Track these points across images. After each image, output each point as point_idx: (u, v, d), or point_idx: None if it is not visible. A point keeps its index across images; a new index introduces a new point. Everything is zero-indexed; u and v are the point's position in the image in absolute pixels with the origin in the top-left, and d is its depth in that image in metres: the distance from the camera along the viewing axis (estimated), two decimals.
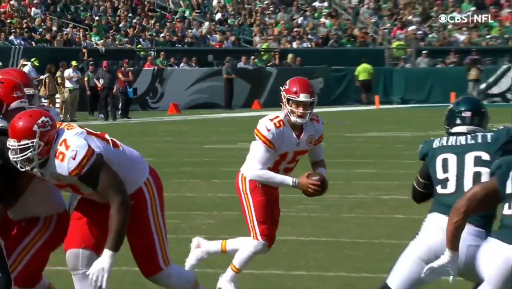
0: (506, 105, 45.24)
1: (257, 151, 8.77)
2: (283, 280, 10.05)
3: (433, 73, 47.63)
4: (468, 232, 6.66)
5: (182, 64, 43.51)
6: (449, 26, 51.53)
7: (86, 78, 38.12)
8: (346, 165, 20.59)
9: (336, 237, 12.44)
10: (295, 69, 45.71)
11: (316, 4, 52.10)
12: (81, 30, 43.98)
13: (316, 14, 51.27)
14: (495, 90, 47.36)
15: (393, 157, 22.45)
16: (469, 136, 6.97)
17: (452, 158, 6.92)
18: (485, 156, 6.82)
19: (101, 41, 43.26)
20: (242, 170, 8.95)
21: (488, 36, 51.10)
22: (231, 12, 50.19)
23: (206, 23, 47.78)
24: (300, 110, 8.75)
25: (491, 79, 47.25)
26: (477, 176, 6.82)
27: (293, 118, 8.75)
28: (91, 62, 39.48)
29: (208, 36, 47.13)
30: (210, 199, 15.51)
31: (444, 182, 6.93)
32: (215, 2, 50.33)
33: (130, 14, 46.45)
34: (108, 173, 7.10)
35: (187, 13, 48.52)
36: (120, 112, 37.68)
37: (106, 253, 7.06)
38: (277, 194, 8.96)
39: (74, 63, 37.67)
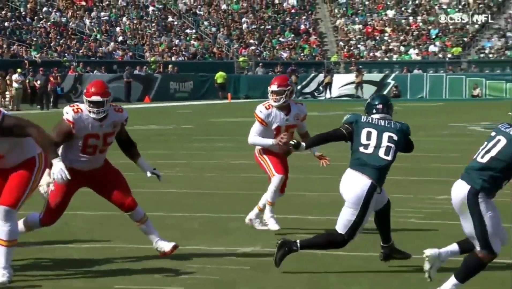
0: (315, 100, 45.89)
1: (253, 126, 8.97)
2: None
3: (267, 78, 47.94)
4: None
5: (95, 71, 43.08)
6: (277, 47, 51.82)
7: (27, 81, 37.84)
8: (208, 140, 20.53)
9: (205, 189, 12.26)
10: (174, 75, 45.52)
11: (187, 31, 51.83)
12: (24, 47, 43.18)
13: (187, 38, 51.00)
14: (307, 90, 47.92)
15: (243, 135, 22.45)
16: (386, 121, 7.30)
17: (374, 132, 7.19)
18: (395, 137, 7.20)
19: (38, 55, 42.66)
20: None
21: (302, 54, 51.60)
22: (129, 36, 49.60)
23: (112, 43, 47.23)
24: (274, 96, 8.93)
25: (304, 83, 47.81)
26: (388, 148, 7.15)
27: (271, 102, 8.92)
28: (30, 70, 39.01)
29: (113, 52, 46.71)
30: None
31: (366, 146, 7.16)
32: (118, 29, 49.64)
33: (58, 37, 45.66)
34: (20, 120, 6.68)
35: (98, 36, 47.80)
36: (51, 104, 37.25)
37: (56, 161, 6.63)
38: (280, 156, 8.89)
39: (19, 70, 37.57)
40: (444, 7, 54.11)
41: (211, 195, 11.61)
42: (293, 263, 7.24)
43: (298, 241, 7.06)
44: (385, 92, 46.58)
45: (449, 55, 49.83)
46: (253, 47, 51.13)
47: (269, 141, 8.83)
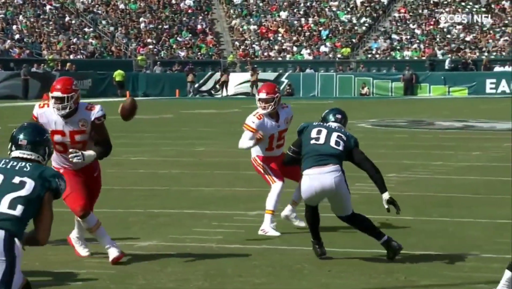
0: (212, 98, 45.84)
1: (244, 135, 8.65)
2: None
3: (165, 76, 47.70)
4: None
5: None
6: (174, 46, 51.57)
7: None
8: None
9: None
10: (72, 73, 44.73)
11: (86, 29, 51.01)
12: None
13: (86, 36, 50.20)
14: (204, 88, 47.83)
15: (141, 132, 22.29)
16: (338, 126, 7.54)
17: (324, 131, 7.46)
18: (344, 138, 7.41)
19: None
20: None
21: (199, 53, 51.51)
22: (26, 34, 48.48)
23: (8, 41, 46.13)
24: (262, 104, 8.66)
25: (201, 81, 47.71)
26: (337, 142, 7.34)
27: (260, 110, 8.65)
28: None
29: (10, 50, 45.67)
30: None
31: (317, 139, 7.32)
32: (14, 27, 48.46)
33: None
34: None
35: None
36: None
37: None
38: (277, 162, 8.66)
39: None
40: (334, 9, 54.88)
41: (111, 191, 11.47)
42: (190, 256, 7.20)
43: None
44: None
45: (339, 55, 50.58)
46: (151, 46, 50.75)
47: (251, 142, 8.62)
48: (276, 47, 51.90)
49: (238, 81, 47.44)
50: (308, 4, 55.31)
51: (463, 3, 53.17)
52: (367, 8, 54.36)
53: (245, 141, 8.61)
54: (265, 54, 51.61)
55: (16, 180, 4.79)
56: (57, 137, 7.20)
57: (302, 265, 7.12)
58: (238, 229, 8.74)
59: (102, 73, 45.35)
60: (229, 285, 6.38)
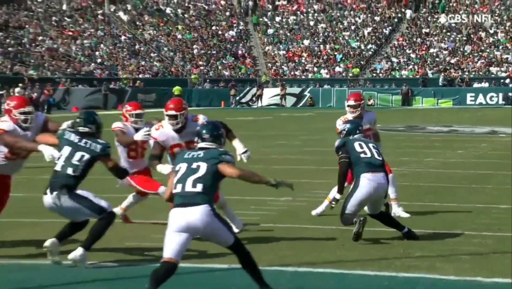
0: (250, 108, 45.84)
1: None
2: None
3: (213, 91, 47.81)
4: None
5: (79, 86, 42.47)
6: (220, 67, 51.61)
7: (26, 93, 36.79)
8: None
9: None
10: (141, 88, 44.93)
11: (151, 54, 51.24)
12: (24, 67, 42.31)
13: (151, 60, 50.41)
14: (243, 100, 47.82)
15: None
16: (361, 136, 7.28)
17: (363, 144, 7.13)
18: (377, 147, 7.25)
19: (35, 73, 41.81)
20: None
21: (239, 73, 51.53)
22: (106, 58, 48.80)
23: (92, 64, 46.52)
24: (351, 109, 8.19)
25: (241, 95, 47.72)
26: (378, 152, 7.14)
27: (348, 115, 8.20)
28: (29, 84, 38.19)
29: (94, 71, 45.98)
30: None
31: (364, 152, 7.01)
32: (97, 53, 48.83)
33: (51, 59, 44.83)
34: None
35: (82, 58, 47.02)
36: (45, 111, 36.33)
37: None
38: None
39: (20, 85, 36.67)
40: (346, 38, 54.59)
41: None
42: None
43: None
44: (302, 102, 46.84)
45: (350, 74, 50.30)
46: (202, 67, 50.86)
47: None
48: (300, 68, 51.79)
49: (270, 94, 47.35)
50: (326, 34, 55.10)
51: (448, 33, 52.69)
52: (373, 37, 54.03)
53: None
54: (292, 73, 51.49)
55: (194, 165, 5.11)
56: (176, 150, 7.01)
57: (322, 241, 7.07)
58: (270, 212, 8.69)
59: (164, 89, 45.52)
60: (264, 256, 6.31)
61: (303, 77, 50.75)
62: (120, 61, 48.70)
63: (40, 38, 47.23)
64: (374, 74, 50.70)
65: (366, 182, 6.87)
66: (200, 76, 49.42)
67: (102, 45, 49.96)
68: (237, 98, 47.05)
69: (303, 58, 52.80)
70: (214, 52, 52.86)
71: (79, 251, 5.93)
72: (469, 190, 10.53)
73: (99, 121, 6.35)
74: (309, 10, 57.08)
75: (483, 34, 51.89)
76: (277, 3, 57.96)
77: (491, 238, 7.05)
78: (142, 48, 51.55)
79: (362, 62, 51.65)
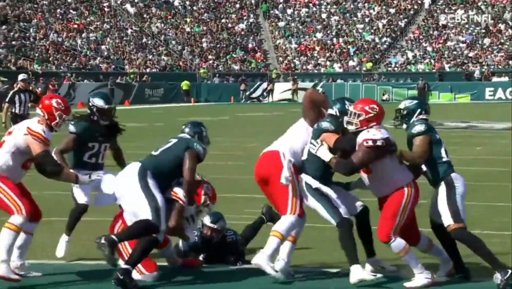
0: (260, 103, 45.84)
1: None
2: None
3: (222, 86, 47.82)
4: None
5: (85, 80, 42.62)
6: (230, 61, 51.61)
7: (30, 88, 37.03)
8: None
9: None
10: (148, 83, 45.01)
11: (159, 48, 51.31)
12: (28, 61, 42.54)
13: (159, 54, 50.50)
14: (254, 95, 47.83)
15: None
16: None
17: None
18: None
19: (40, 67, 41.98)
20: None
21: (250, 67, 51.52)
22: (112, 52, 48.91)
23: (98, 58, 46.66)
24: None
25: (252, 90, 47.73)
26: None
27: None
28: (33, 79, 38.32)
29: (100, 65, 46.21)
30: None
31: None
32: (103, 47, 48.94)
33: (55, 53, 45.04)
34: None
35: (87, 52, 47.14)
36: None
37: None
38: None
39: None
40: (360, 31, 54.42)
41: None
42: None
43: None
44: None
45: (364, 69, 50.15)
46: (211, 61, 50.87)
47: None
48: (313, 62, 51.67)
49: (281, 89, 47.31)
50: (339, 26, 54.95)
51: (466, 26, 52.39)
52: (387, 30, 53.81)
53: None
54: (304, 67, 51.40)
55: None
56: None
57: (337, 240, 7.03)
58: None
59: (172, 83, 45.63)
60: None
61: (316, 71, 50.65)
62: (126, 55, 48.81)
63: (44, 31, 47.38)
64: (389, 68, 50.51)
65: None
66: (209, 71, 49.44)
67: (108, 39, 50.08)
68: (247, 93, 47.04)
69: (316, 52, 52.69)
70: (224, 45, 52.86)
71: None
72: (488, 188, 10.46)
73: None
74: (321, 2, 56.94)
75: (502, 27, 51.56)
76: None
77: (511, 237, 6.98)
78: (149, 42, 51.63)
79: (376, 56, 51.48)
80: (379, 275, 5.45)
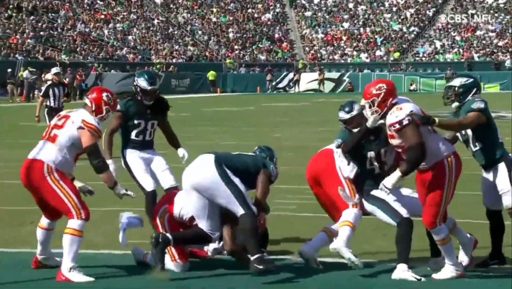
0: (287, 93, 45.76)
1: None
2: None
3: (248, 76, 47.84)
4: None
5: (112, 71, 42.85)
6: (256, 51, 51.62)
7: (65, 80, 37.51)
8: (201, 125, 20.23)
9: None
10: (174, 74, 45.15)
11: (185, 38, 51.44)
12: (56, 51, 42.88)
13: (185, 44, 50.65)
14: (280, 85, 47.77)
15: (230, 120, 22.23)
16: None
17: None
18: None
19: (67, 57, 42.29)
20: None
21: (276, 57, 51.44)
22: (139, 42, 49.16)
23: (125, 48, 46.89)
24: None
25: (278, 80, 47.66)
26: None
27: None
28: (61, 69, 38.72)
29: (126, 55, 46.44)
30: None
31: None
32: (130, 37, 49.17)
33: (83, 43, 45.34)
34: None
35: (114, 43, 47.41)
36: (78, 96, 36.90)
37: None
38: None
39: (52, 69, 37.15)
40: (388, 20, 54.02)
41: None
42: (271, 221, 7.15)
43: None
44: (341, 88, 46.53)
45: (391, 58, 49.80)
46: (237, 52, 50.88)
47: None
48: (339, 52, 51.43)
49: (308, 79, 47.19)
50: (366, 16, 54.60)
51: (496, 14, 51.73)
52: (415, 19, 53.35)
53: None
54: (330, 57, 51.19)
55: None
56: None
57: (363, 230, 7.02)
58: (308, 200, 8.66)
59: (198, 74, 45.75)
60: (301, 246, 6.29)
61: (342, 61, 50.42)
62: (153, 46, 49.01)
63: (71, 22, 47.72)
64: (417, 58, 50.10)
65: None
66: (235, 61, 49.47)
67: (135, 29, 50.32)
68: (274, 83, 46.99)
69: (342, 42, 52.43)
70: (250, 35, 52.82)
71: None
72: None
73: None
74: None
75: None
76: None
77: None
78: (175, 32, 51.78)
79: (404, 46, 51.09)
80: (423, 279, 5.38)
